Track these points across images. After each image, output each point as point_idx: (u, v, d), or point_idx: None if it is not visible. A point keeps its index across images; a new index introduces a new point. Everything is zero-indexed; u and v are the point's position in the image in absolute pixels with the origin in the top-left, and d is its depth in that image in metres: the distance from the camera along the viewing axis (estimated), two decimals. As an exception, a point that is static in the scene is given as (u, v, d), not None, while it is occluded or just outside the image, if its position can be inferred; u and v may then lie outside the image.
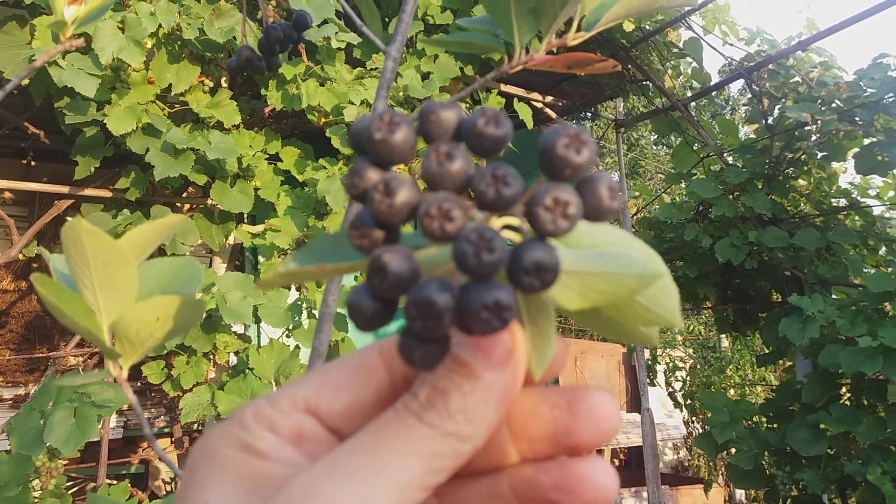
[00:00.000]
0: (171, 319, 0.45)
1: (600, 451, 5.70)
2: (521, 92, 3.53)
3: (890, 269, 2.80)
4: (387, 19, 2.93)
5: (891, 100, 2.87)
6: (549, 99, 3.80)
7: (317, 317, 2.52)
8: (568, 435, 0.28)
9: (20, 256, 2.61)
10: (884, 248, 3.28)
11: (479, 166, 0.26)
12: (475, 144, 0.26)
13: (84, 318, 0.45)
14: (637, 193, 6.01)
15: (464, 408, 0.26)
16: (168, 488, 2.97)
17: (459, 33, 0.61)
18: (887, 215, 3.40)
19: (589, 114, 4.58)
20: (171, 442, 2.83)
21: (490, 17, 0.55)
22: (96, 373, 0.51)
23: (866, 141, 3.07)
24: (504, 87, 3.37)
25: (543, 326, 0.28)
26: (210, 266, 2.77)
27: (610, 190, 0.26)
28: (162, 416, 3.03)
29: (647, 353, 5.44)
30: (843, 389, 2.73)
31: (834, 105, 3.03)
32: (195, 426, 2.56)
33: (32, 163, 2.76)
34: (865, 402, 2.63)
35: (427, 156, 0.25)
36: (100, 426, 2.57)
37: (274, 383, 2.32)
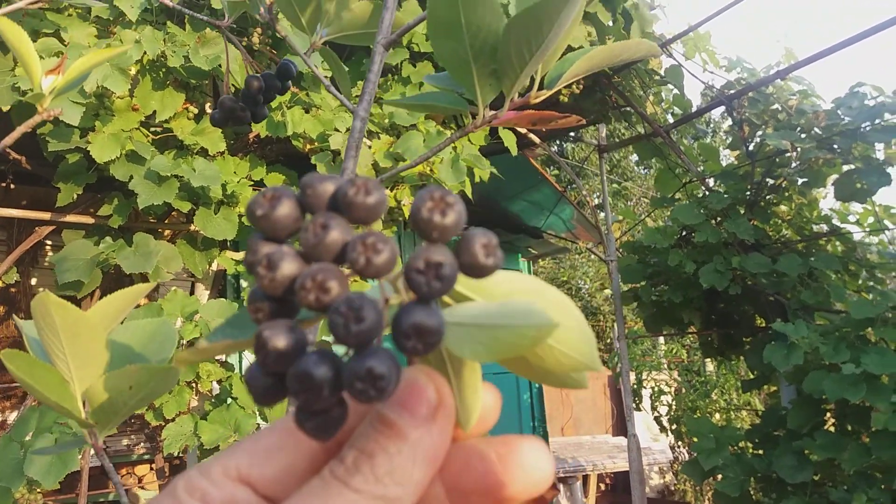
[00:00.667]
0: (144, 387, 0.46)
1: (586, 478, 5.69)
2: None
3: (871, 295, 2.82)
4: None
5: (867, 128, 2.91)
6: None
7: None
8: (500, 487, 0.28)
9: (0, 283, 2.57)
10: (865, 274, 3.31)
11: (354, 235, 0.26)
12: (349, 213, 0.26)
13: (57, 389, 0.45)
14: (621, 217, 6.05)
15: (391, 470, 0.25)
16: (148, 519, 2.91)
17: (423, 95, 0.61)
18: (867, 241, 3.44)
19: (571, 137, 4.62)
20: (152, 469, 2.79)
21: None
22: (72, 441, 0.51)
23: (845, 168, 3.11)
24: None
25: (470, 380, 0.29)
26: (193, 293, 2.75)
27: (485, 247, 0.26)
28: (142, 444, 2.98)
29: (632, 377, 5.44)
30: (828, 415, 2.74)
31: (813, 133, 3.08)
32: (177, 454, 2.52)
33: (11, 186, 2.73)
34: (850, 429, 2.64)
35: (305, 229, 0.26)
36: (80, 456, 2.53)
37: (257, 413, 2.29)
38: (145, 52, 2.29)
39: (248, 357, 2.65)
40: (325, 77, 2.52)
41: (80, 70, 0.79)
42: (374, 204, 0.26)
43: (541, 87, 0.57)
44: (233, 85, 2.45)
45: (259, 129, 2.54)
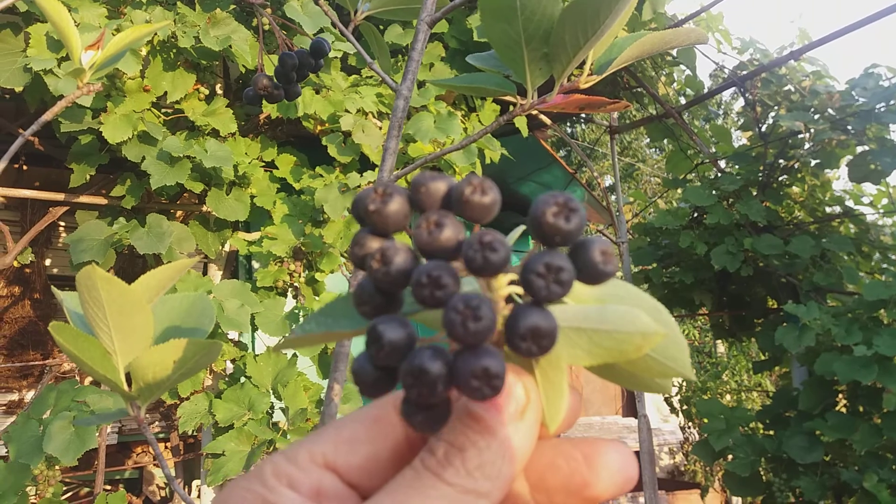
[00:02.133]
0: (188, 361, 0.47)
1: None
2: (515, 99, 3.52)
3: (884, 277, 2.81)
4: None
5: (882, 109, 2.88)
6: (537, 111, 3.79)
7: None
8: (585, 487, 0.28)
9: (13, 263, 2.60)
10: (878, 255, 3.29)
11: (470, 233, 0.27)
12: (463, 212, 0.27)
13: (100, 361, 0.46)
14: (632, 199, 6.02)
15: (481, 464, 0.26)
16: (162, 493, 2.95)
17: (469, 76, 0.60)
18: (880, 223, 3.42)
19: (583, 119, 4.59)
20: (167, 448, 2.82)
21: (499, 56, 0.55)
22: (116, 411, 0.52)
23: (859, 149, 3.08)
24: (503, 98, 3.37)
25: (556, 380, 0.29)
26: (205, 273, 2.77)
27: (603, 254, 0.26)
28: (157, 422, 3.01)
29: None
30: (840, 397, 2.74)
31: (827, 114, 3.05)
32: (192, 432, 2.55)
33: (24, 167, 2.74)
34: (861, 410, 2.63)
35: (418, 226, 0.26)
36: (97, 434, 2.56)
37: (271, 392, 2.31)
38: (156, 33, 2.29)
39: (263, 337, 2.67)
40: (339, 53, 2.52)
41: (119, 45, 0.79)
42: (489, 204, 0.26)
43: (590, 73, 0.56)
44: (242, 67, 2.45)
45: (270, 111, 2.54)
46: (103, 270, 0.42)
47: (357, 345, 2.83)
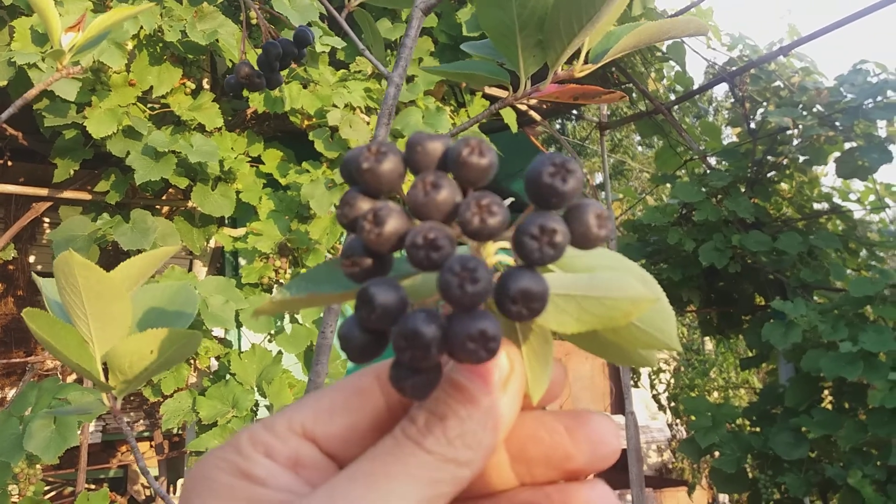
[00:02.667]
0: (166, 351, 0.45)
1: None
2: (504, 94, 3.52)
3: (870, 273, 2.82)
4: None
5: (870, 105, 2.89)
6: (533, 101, 3.79)
7: (299, 322, 2.51)
8: (567, 459, 0.28)
9: (-3, 259, 2.57)
10: (864, 252, 3.31)
11: (465, 195, 0.26)
12: (460, 174, 0.26)
13: (76, 350, 0.45)
14: (621, 195, 6.03)
15: (462, 433, 0.26)
16: (148, 492, 2.93)
17: (463, 62, 0.60)
18: (867, 219, 3.43)
19: (573, 115, 4.59)
20: (151, 447, 2.80)
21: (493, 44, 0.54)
22: (91, 403, 0.51)
23: (847, 146, 3.09)
24: (488, 90, 3.36)
25: (541, 350, 0.28)
26: (191, 270, 2.75)
27: (598, 218, 0.26)
28: (142, 420, 2.99)
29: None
30: (826, 393, 2.75)
31: (815, 110, 3.06)
32: (176, 430, 2.53)
33: (9, 163, 2.72)
34: (846, 406, 2.65)
35: (414, 186, 0.26)
36: (79, 432, 2.54)
37: (256, 389, 2.30)
38: (142, 27, 2.27)
39: (248, 334, 2.65)
40: (326, 47, 2.50)
41: (100, 27, 0.77)
42: (486, 165, 0.26)
43: (585, 62, 0.56)
44: (227, 59, 2.42)
45: (257, 105, 2.52)
46: (81, 256, 0.41)
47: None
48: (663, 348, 0.29)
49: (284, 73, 2.52)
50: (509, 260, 0.28)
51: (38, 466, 2.27)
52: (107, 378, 0.49)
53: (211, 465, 0.27)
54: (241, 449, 0.27)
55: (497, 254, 0.28)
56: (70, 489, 2.72)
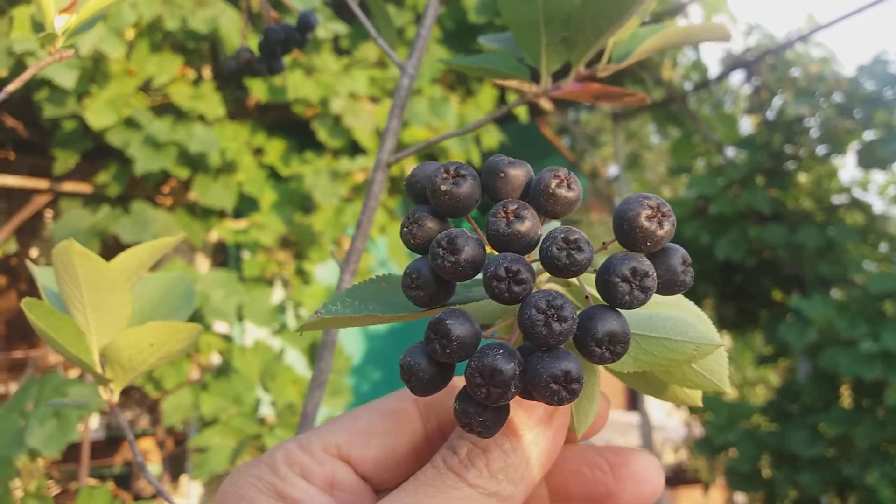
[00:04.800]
0: (165, 344, 0.45)
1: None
2: (518, 87, 3.45)
3: (892, 267, 2.75)
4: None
5: (890, 96, 2.82)
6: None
7: (302, 317, 2.46)
8: (608, 497, 0.28)
9: (-1, 253, 2.55)
10: (884, 245, 3.23)
11: (549, 229, 0.27)
12: (545, 205, 0.25)
13: (74, 341, 0.44)
14: (636, 188, 5.95)
15: (505, 467, 0.25)
16: (153, 489, 2.91)
17: (482, 56, 0.57)
18: (887, 213, 3.35)
19: (586, 105, 4.52)
20: (155, 444, 2.78)
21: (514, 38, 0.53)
22: (88, 394, 0.50)
23: (866, 136, 3.03)
24: (499, 80, 3.30)
25: (589, 384, 0.29)
26: (192, 263, 2.71)
27: (684, 263, 0.25)
28: (144, 416, 2.97)
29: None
30: (843, 391, 2.70)
31: (834, 100, 3.00)
32: (178, 427, 2.50)
33: (11, 156, 2.69)
34: (864, 405, 2.59)
35: (495, 213, 0.25)
36: (81, 427, 2.52)
37: (259, 385, 2.26)
38: (143, 15, 2.23)
39: (251, 330, 2.61)
40: (330, 34, 2.44)
41: (95, 9, 0.74)
42: (574, 199, 0.26)
43: (609, 61, 0.54)
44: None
45: (259, 95, 2.47)
46: (80, 245, 0.40)
47: (348, 335, 2.77)
48: (714, 391, 0.29)
49: (288, 59, 2.47)
50: (561, 289, 0.28)
51: (40, 461, 2.25)
52: (105, 371, 0.48)
53: (246, 483, 0.26)
54: (278, 469, 0.27)
55: (547, 284, 0.28)
56: (76, 485, 2.70)
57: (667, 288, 0.26)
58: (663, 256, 0.25)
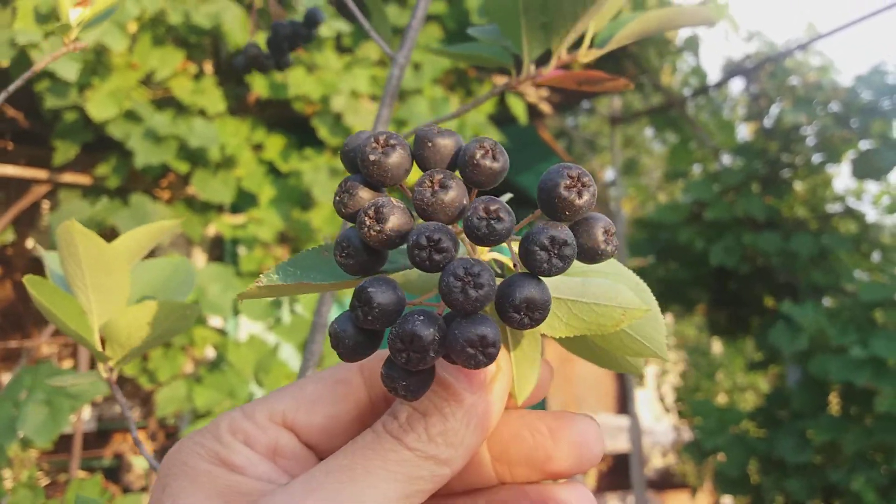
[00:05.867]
0: (162, 323, 0.46)
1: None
2: (511, 71, 3.46)
3: (883, 277, 2.77)
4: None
5: (887, 106, 2.84)
6: (543, 93, 3.73)
7: (297, 313, 2.47)
8: (548, 461, 0.28)
9: (-6, 242, 2.55)
10: (876, 255, 3.26)
11: (472, 198, 0.27)
12: (470, 175, 0.26)
13: (75, 319, 0.45)
14: (632, 192, 5.97)
15: (444, 431, 0.26)
16: (142, 483, 2.91)
17: (466, 45, 0.59)
18: (880, 222, 3.38)
19: (584, 110, 4.53)
20: (147, 436, 2.78)
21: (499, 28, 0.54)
22: (87, 373, 0.51)
23: (862, 146, 3.05)
24: (498, 79, 3.31)
25: (529, 350, 0.29)
26: (189, 257, 2.72)
27: (606, 233, 0.26)
28: (136, 408, 2.98)
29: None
30: (832, 398, 2.72)
31: (831, 109, 3.02)
32: (171, 420, 2.51)
33: (10, 146, 2.69)
34: (853, 412, 2.61)
35: (420, 183, 0.26)
36: (74, 418, 2.52)
37: (253, 379, 2.27)
38: (146, 9, 2.23)
39: (246, 324, 2.62)
40: (332, 32, 2.46)
41: (108, 2, 0.75)
42: (499, 169, 0.26)
43: (591, 46, 0.55)
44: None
45: (260, 91, 2.48)
46: (82, 226, 0.41)
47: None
48: (652, 357, 0.29)
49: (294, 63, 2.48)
50: (503, 258, 0.28)
51: (32, 451, 2.25)
52: (104, 349, 0.49)
53: (189, 450, 0.27)
54: (221, 436, 0.27)
55: (489, 253, 0.28)
56: (66, 477, 2.70)
57: (588, 257, 0.26)
58: (585, 226, 0.26)
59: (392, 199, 0.26)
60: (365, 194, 0.27)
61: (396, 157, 0.26)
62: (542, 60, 0.54)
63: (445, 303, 0.24)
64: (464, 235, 0.26)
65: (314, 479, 0.25)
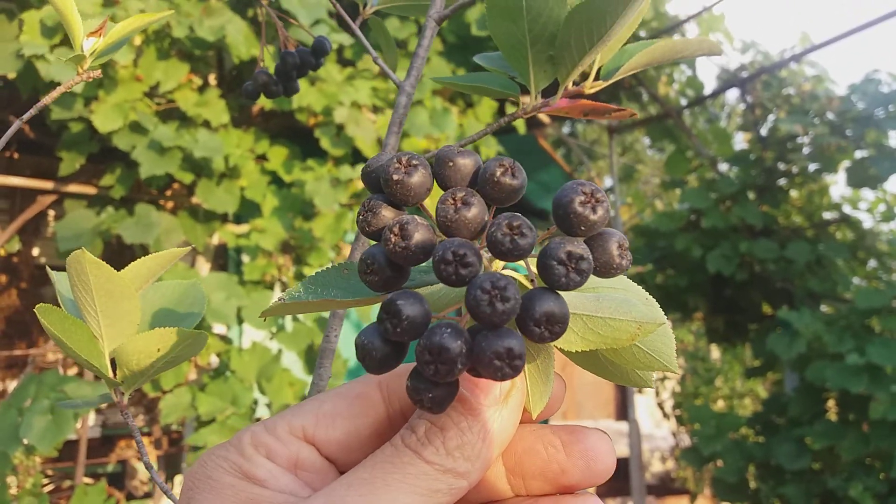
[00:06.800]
0: (173, 350, 0.46)
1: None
2: (518, 101, 3.50)
3: (880, 284, 2.79)
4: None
5: (881, 115, 2.87)
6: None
7: (300, 321, 2.50)
8: (562, 474, 0.28)
9: (0, 252, 2.57)
10: (873, 262, 3.28)
11: (491, 215, 0.27)
12: (490, 192, 0.27)
13: (86, 346, 0.46)
14: (630, 199, 6.00)
15: (461, 445, 0.26)
16: (146, 488, 2.93)
17: (473, 75, 0.60)
18: (877, 230, 3.40)
19: (583, 119, 4.56)
20: (151, 443, 2.80)
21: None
22: (99, 397, 0.51)
23: (857, 155, 3.07)
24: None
25: (543, 365, 0.29)
26: (193, 266, 2.74)
27: (620, 248, 0.27)
28: (140, 415, 2.99)
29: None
30: (830, 404, 2.73)
31: (826, 118, 3.04)
32: (174, 426, 2.53)
33: (15, 155, 2.72)
34: (850, 419, 2.63)
35: (443, 201, 0.27)
36: (78, 425, 2.54)
37: (255, 387, 2.29)
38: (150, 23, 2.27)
39: (249, 332, 2.64)
40: (334, 45, 2.49)
41: (121, 33, 0.78)
42: (518, 186, 0.27)
43: (597, 78, 0.55)
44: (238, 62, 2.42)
45: (264, 103, 2.51)
46: (92, 255, 0.42)
47: (345, 340, 2.80)
48: (662, 370, 0.30)
49: (302, 81, 2.51)
50: (516, 275, 0.28)
51: (36, 458, 2.27)
52: (114, 374, 0.50)
53: (213, 464, 0.28)
54: (244, 450, 0.28)
55: (504, 268, 0.29)
56: (70, 483, 2.72)
57: (604, 271, 0.27)
58: (600, 241, 0.27)
59: (418, 217, 0.27)
60: (388, 213, 0.28)
61: (419, 177, 0.27)
62: (549, 89, 0.55)
63: (472, 316, 0.25)
64: (482, 251, 0.27)
65: (335, 492, 0.26)
